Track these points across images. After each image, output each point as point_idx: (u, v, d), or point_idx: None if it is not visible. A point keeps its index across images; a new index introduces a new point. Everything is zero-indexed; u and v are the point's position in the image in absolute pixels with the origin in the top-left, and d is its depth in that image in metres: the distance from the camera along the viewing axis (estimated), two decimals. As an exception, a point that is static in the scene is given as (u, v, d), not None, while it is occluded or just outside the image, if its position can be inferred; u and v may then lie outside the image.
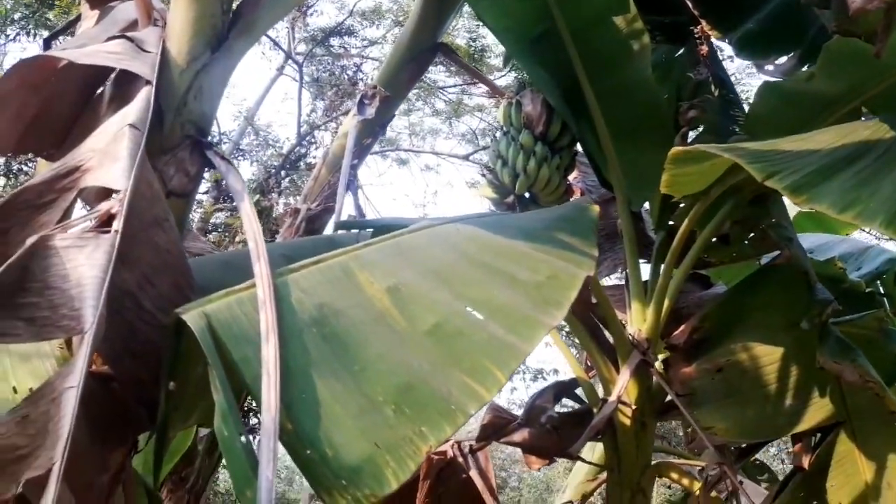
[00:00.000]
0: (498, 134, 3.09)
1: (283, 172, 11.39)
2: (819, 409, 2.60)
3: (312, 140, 12.10)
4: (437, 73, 12.53)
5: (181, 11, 1.77)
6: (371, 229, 2.15)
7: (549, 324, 1.67)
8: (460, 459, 3.18)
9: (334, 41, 11.90)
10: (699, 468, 3.03)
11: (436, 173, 17.59)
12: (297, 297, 1.44)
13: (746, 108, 3.09)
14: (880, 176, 1.44)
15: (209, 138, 1.85)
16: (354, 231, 2.28)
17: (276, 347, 1.32)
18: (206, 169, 1.84)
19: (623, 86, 2.89)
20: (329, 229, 4.24)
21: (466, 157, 13.44)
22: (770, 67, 2.56)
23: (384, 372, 1.42)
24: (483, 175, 3.07)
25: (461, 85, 12.46)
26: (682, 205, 3.07)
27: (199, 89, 1.79)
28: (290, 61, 12.70)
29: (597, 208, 2.18)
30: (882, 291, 3.87)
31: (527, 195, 3.03)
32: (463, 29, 11.37)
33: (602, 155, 3.03)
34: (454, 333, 1.56)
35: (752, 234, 2.91)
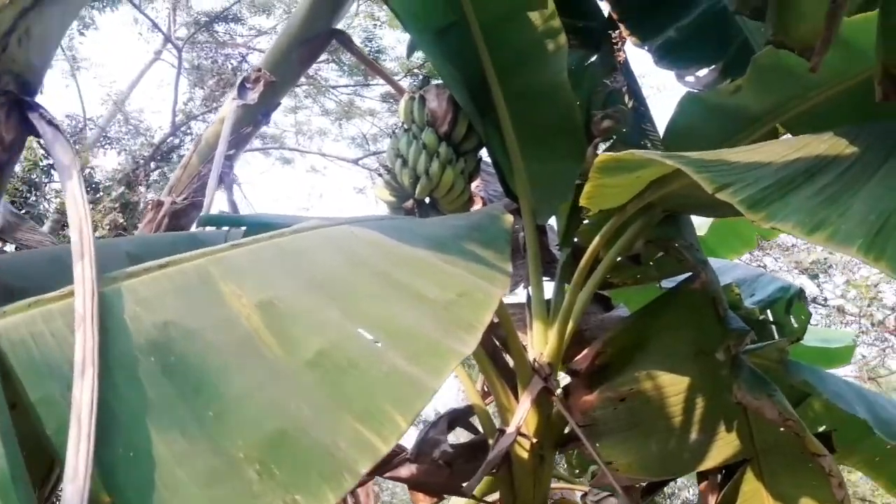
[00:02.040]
0: (398, 131, 2.78)
1: (153, 164, 10.54)
2: (726, 445, 2.46)
3: (188, 131, 11.30)
4: (329, 72, 12.08)
5: (-2, -77, 1.33)
6: (244, 227, 1.77)
7: (462, 352, 1.37)
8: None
9: (219, 27, 11.18)
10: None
11: (322, 176, 17.03)
12: (132, 312, 1.06)
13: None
14: (848, 194, 1.26)
15: (36, 97, 1.42)
16: (224, 229, 1.89)
17: (95, 383, 0.94)
18: (30, 137, 1.41)
19: (534, 88, 2.66)
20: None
21: (356, 161, 13.03)
22: (691, 79, 2.42)
23: (249, 418, 1.06)
24: (379, 174, 2.75)
25: (353, 86, 12.06)
26: (586, 220, 2.90)
27: (26, 32, 1.36)
28: (168, 45, 11.83)
29: (510, 218, 1.91)
30: (772, 319, 3.88)
31: (426, 200, 2.74)
32: (359, 28, 10.99)
33: (508, 161, 2.79)
34: (344, 364, 1.22)
35: (659, 255, 2.77)
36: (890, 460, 2.94)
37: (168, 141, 10.35)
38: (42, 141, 1.28)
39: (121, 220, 9.20)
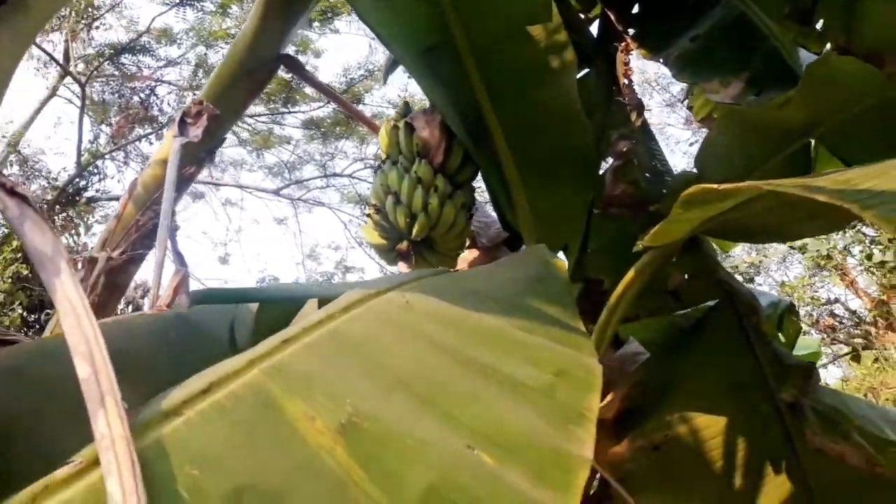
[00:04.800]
0: (384, 165, 2.45)
1: (57, 208, 9.70)
2: (776, 489, 2.23)
3: (95, 171, 10.50)
4: (245, 101, 11.50)
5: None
6: (253, 302, 1.40)
7: (585, 456, 1.06)
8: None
9: (124, 59, 10.46)
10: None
11: (240, 209, 16.32)
12: (189, 481, 0.70)
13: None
14: None
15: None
16: (223, 307, 1.50)
17: None
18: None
19: (536, 111, 2.39)
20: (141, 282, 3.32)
21: (276, 192, 12.48)
22: (717, 95, 2.21)
23: None
24: (367, 215, 2.41)
25: (271, 114, 11.56)
26: (590, 251, 2.66)
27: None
28: (68, 80, 10.99)
29: (564, 263, 1.62)
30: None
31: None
32: (294, 54, 10.51)
33: (506, 193, 2.51)
34: (461, 499, 0.90)
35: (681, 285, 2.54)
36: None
37: (74, 183, 9.54)
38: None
39: (25, 272, 8.36)
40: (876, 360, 10.10)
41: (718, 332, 2.41)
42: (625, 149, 2.29)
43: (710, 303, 2.49)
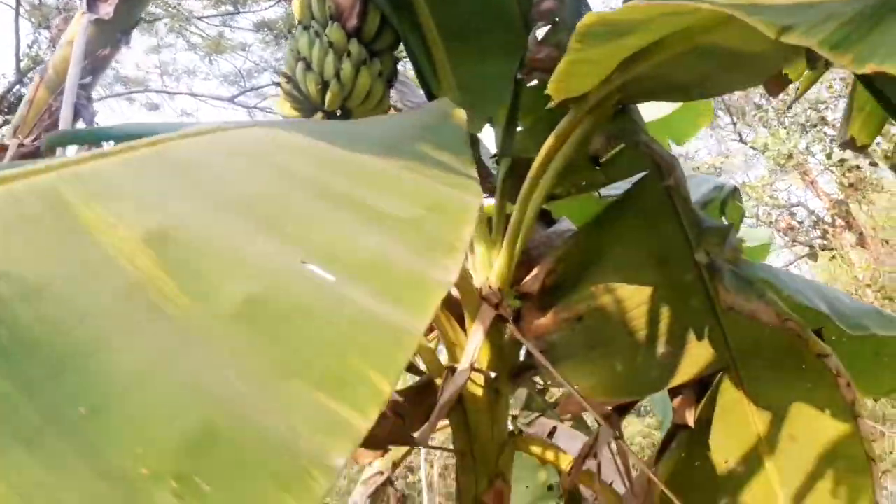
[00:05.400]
0: (295, 30, 2.29)
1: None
2: (698, 356, 2.24)
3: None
4: (194, 3, 10.96)
5: None
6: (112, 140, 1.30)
7: (445, 280, 1.00)
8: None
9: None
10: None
11: (195, 119, 15.81)
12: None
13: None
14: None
15: None
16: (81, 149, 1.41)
17: None
18: None
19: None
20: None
21: (231, 100, 12.08)
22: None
23: (151, 411, 0.65)
24: (277, 84, 2.27)
25: (222, 15, 11.03)
26: (521, 128, 2.57)
27: None
28: (1, -20, 10.32)
29: (462, 113, 1.53)
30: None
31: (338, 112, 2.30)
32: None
33: (430, 62, 2.39)
34: (288, 312, 0.83)
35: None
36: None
37: (15, 90, 9.10)
38: None
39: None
40: (833, 258, 10.32)
41: (644, 202, 2.37)
42: (546, 8, 2.16)
43: (639, 175, 2.44)
